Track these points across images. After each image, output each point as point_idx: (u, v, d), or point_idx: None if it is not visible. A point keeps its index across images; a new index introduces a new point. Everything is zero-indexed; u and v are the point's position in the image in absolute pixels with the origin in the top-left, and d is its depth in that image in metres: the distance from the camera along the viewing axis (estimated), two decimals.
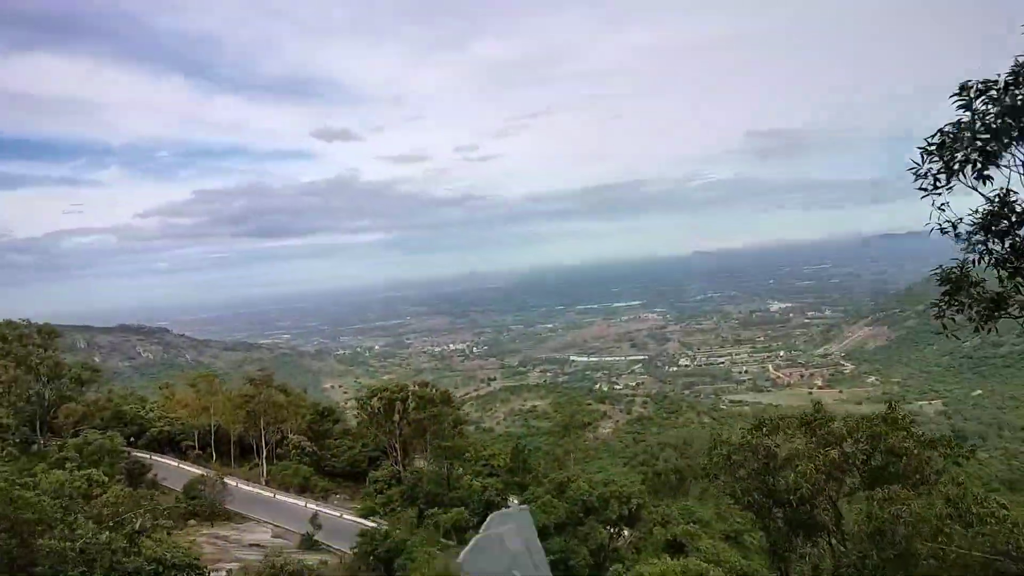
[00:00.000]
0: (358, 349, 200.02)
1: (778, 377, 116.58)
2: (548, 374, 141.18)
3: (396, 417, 31.23)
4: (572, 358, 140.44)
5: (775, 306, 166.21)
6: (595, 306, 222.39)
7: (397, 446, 32.08)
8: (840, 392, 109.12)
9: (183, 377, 51.28)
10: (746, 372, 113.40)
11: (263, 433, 35.20)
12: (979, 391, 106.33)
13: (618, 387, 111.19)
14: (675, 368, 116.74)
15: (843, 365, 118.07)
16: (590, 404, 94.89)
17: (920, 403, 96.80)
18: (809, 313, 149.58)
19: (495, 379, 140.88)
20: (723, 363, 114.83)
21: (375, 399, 32.16)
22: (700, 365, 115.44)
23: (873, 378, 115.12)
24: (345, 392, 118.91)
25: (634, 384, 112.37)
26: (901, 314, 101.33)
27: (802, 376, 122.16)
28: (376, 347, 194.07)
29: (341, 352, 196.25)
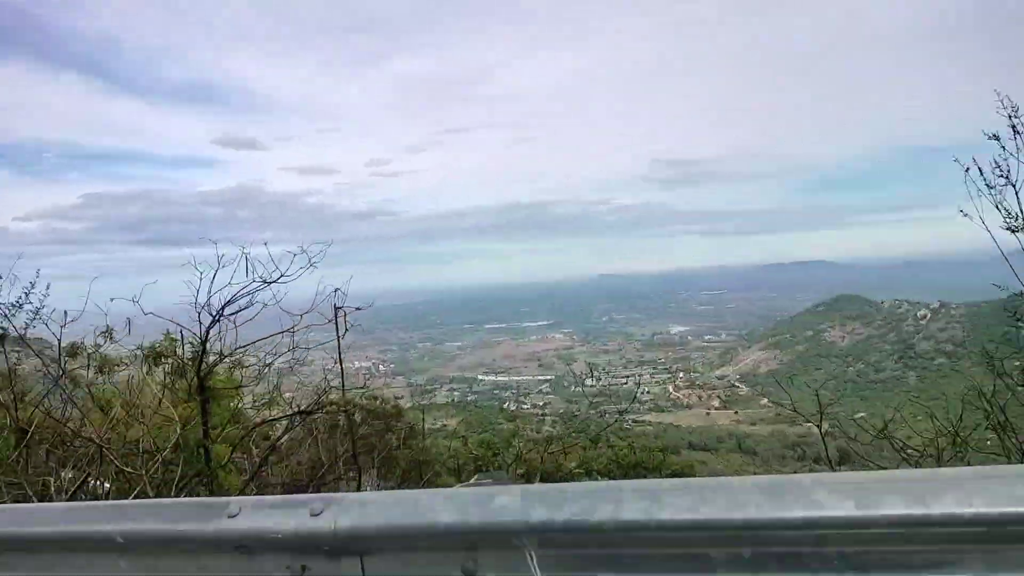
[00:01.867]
0: (257, 365, 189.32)
1: (678, 398, 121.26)
2: (456, 393, 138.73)
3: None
4: (480, 377, 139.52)
5: (675, 329, 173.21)
6: (504, 325, 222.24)
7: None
8: (736, 413, 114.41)
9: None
10: (648, 392, 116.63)
11: None
12: (862, 413, 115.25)
13: (526, 406, 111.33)
14: (581, 388, 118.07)
15: (738, 387, 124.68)
16: (500, 423, 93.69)
17: (808, 424, 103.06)
18: (706, 336, 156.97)
19: (402, 397, 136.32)
20: (627, 383, 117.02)
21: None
22: (605, 385, 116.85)
23: (765, 400, 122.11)
24: (254, 410, 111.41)
25: (541, 403, 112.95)
26: (791, 339, 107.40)
27: (700, 397, 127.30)
28: (276, 364, 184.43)
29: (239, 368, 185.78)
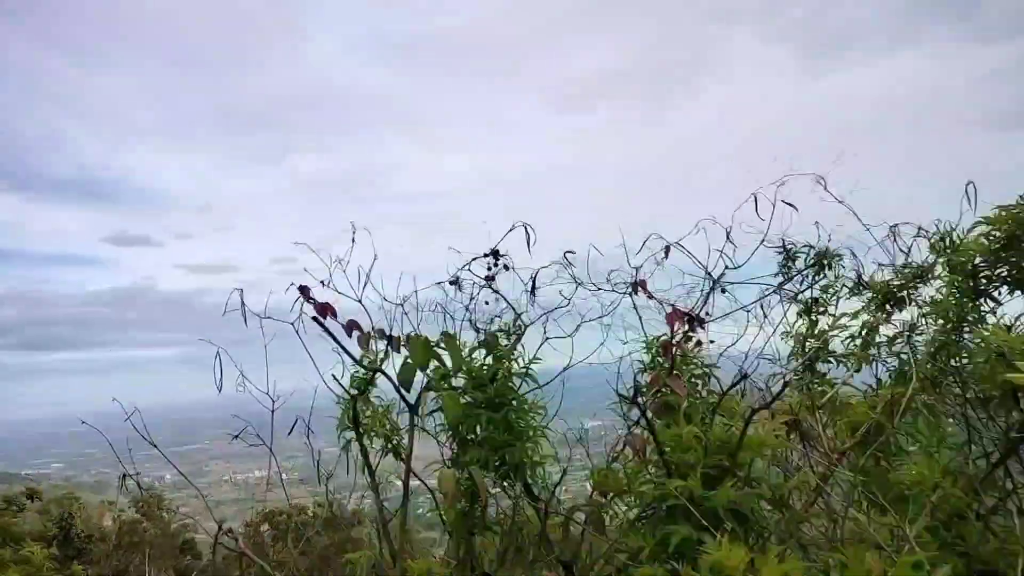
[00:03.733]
0: (146, 478, 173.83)
1: None
2: (367, 500, 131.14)
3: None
4: (393, 480, 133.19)
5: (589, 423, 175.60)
6: None
7: None
8: None
9: None
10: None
11: None
12: None
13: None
14: None
15: None
16: (419, 532, 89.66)
17: None
18: None
19: (308, 508, 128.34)
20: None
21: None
22: None
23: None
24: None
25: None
26: None
27: None
28: (167, 476, 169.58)
29: (133, 484, 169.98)
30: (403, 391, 2.55)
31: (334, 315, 2.53)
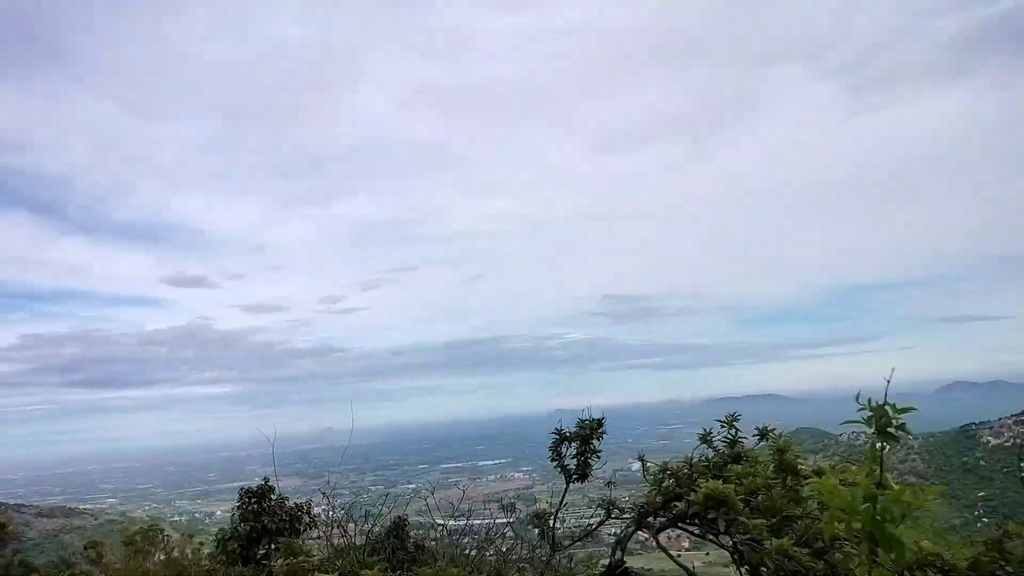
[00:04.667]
0: (196, 515, 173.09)
1: (646, 539, 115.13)
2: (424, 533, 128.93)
3: None
4: (438, 522, 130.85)
5: (636, 465, 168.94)
6: (459, 465, 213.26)
7: None
8: (707, 554, 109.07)
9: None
10: (611, 534, 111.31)
11: None
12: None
13: (489, 553, 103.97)
14: (547, 531, 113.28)
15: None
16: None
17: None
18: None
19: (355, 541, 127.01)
20: (591, 524, 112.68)
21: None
22: (570, 527, 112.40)
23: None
24: None
25: (504, 549, 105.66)
26: None
27: (669, 538, 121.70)
28: (218, 512, 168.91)
29: (177, 519, 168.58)
30: None
31: None
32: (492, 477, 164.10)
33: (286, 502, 12.23)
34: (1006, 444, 78.23)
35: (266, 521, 11.25)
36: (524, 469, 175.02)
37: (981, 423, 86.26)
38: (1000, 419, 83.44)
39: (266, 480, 12.36)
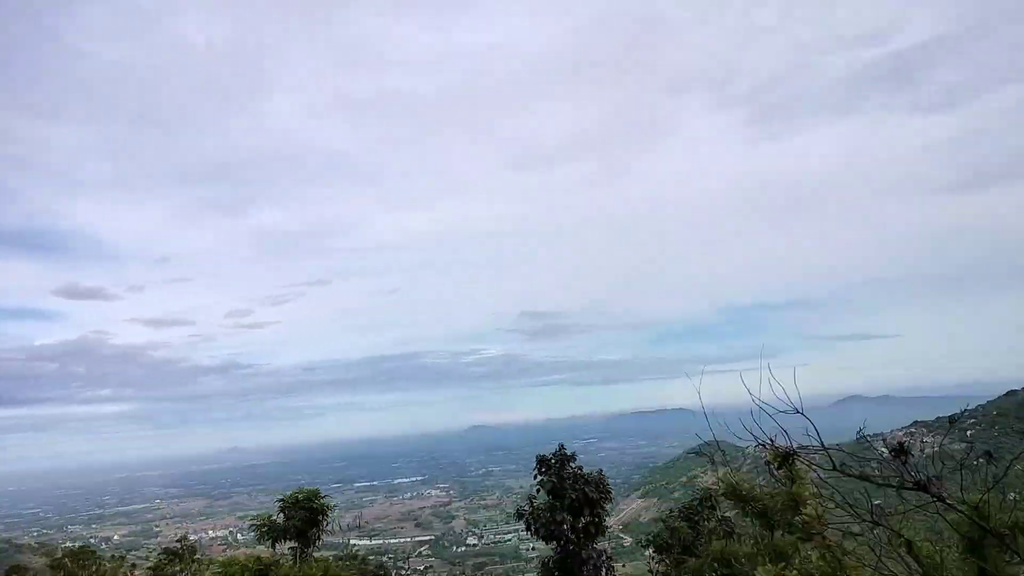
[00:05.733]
0: (92, 540, 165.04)
1: None
2: (327, 559, 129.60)
3: None
4: (353, 542, 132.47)
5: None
6: (375, 483, 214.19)
7: None
8: (623, 566, 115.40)
9: None
10: (533, 548, 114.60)
11: None
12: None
13: (405, 571, 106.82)
14: (463, 548, 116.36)
15: (623, 537, 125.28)
16: None
17: None
18: None
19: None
20: (510, 540, 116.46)
21: None
22: (487, 544, 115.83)
23: (650, 550, 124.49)
24: None
25: (422, 568, 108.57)
26: (667, 487, 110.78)
27: None
28: (115, 536, 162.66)
29: (70, 544, 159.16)
30: None
31: None
32: (409, 495, 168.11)
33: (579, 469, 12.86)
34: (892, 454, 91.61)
35: (573, 492, 11.81)
36: (441, 486, 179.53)
37: (875, 434, 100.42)
38: (892, 430, 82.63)
39: (561, 446, 13.63)
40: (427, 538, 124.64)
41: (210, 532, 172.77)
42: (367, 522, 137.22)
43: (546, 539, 11.74)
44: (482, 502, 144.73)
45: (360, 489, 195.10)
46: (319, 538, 15.93)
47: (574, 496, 11.39)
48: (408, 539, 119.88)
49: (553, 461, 11.88)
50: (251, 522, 16.09)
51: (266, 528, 15.54)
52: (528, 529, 11.80)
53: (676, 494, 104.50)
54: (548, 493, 11.59)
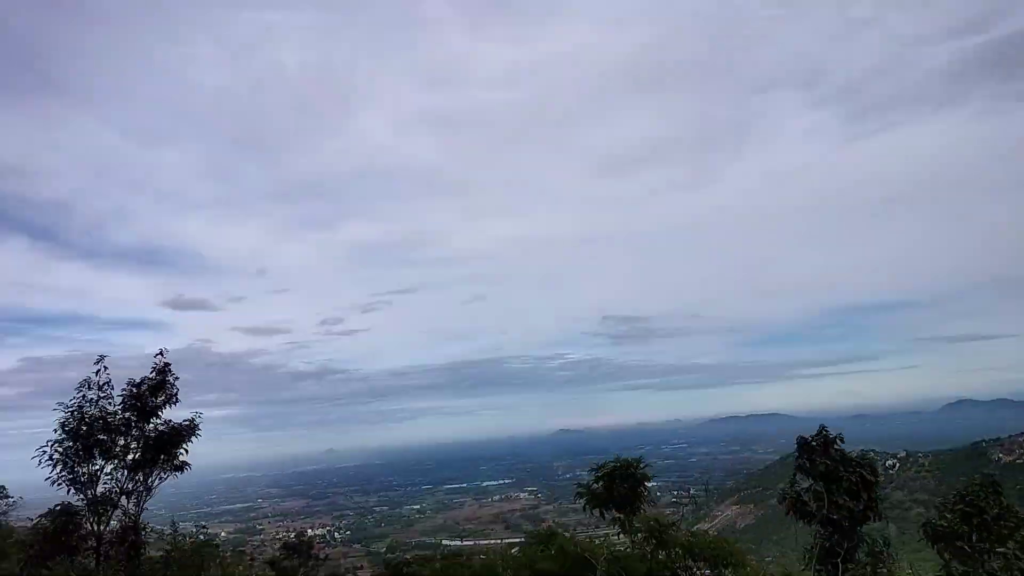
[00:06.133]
0: (201, 536, 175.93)
1: None
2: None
3: None
4: (445, 542, 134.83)
5: (648, 484, 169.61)
6: (464, 485, 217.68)
7: None
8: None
9: None
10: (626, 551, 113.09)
11: None
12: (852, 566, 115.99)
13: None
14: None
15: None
16: None
17: None
18: (675, 492, 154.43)
19: (362, 567, 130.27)
20: (600, 542, 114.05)
21: None
22: None
23: (750, 556, 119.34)
24: None
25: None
26: (763, 492, 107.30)
27: None
28: (223, 534, 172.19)
29: (185, 536, 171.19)
30: None
31: None
32: (497, 497, 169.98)
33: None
34: (1018, 461, 76.00)
35: (851, 475, 11.33)
36: (529, 489, 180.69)
37: (991, 440, 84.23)
38: (1010, 436, 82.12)
39: (822, 427, 12.38)
40: (518, 540, 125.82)
41: (309, 531, 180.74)
42: (457, 523, 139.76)
43: (813, 522, 11.86)
44: (571, 506, 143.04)
45: (449, 491, 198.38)
46: (641, 507, 16.28)
47: (853, 479, 11.41)
48: (498, 540, 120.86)
49: (815, 444, 11.82)
50: (578, 490, 16.73)
51: (588, 495, 15.98)
52: (790, 512, 11.99)
53: (772, 500, 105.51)
54: (820, 477, 11.53)
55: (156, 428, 12.18)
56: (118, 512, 11.49)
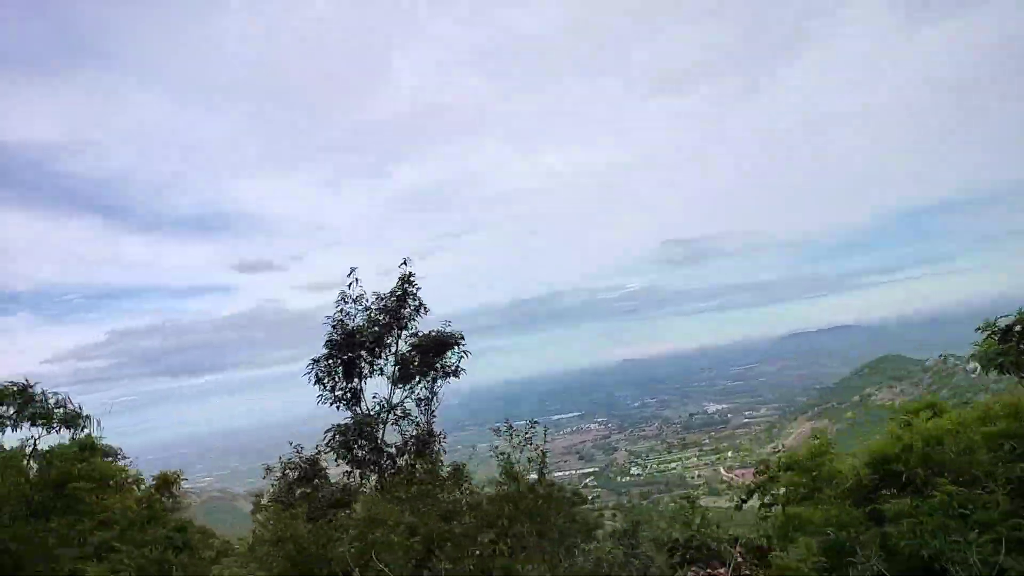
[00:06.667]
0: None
1: (732, 479, 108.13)
2: None
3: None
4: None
5: (712, 407, 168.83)
6: (536, 420, 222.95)
7: None
8: None
9: None
10: (699, 475, 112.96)
11: None
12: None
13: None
14: (627, 478, 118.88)
15: None
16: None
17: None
18: (746, 412, 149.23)
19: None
20: (674, 468, 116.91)
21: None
22: (651, 473, 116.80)
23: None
24: None
25: (590, 498, 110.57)
26: (838, 406, 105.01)
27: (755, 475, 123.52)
28: None
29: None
30: None
31: None
32: (569, 430, 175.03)
33: None
34: None
35: None
36: (598, 420, 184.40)
37: None
38: None
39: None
40: (591, 470, 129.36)
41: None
42: (529, 459, 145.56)
43: None
44: (641, 433, 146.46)
45: (522, 427, 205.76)
46: None
47: None
48: (573, 471, 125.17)
49: (1019, 328, 8.11)
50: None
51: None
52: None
53: (848, 414, 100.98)
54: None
55: (417, 335, 11.81)
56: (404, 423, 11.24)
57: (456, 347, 11.79)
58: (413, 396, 11.91)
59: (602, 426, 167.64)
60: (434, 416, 11.84)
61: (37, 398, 9.68)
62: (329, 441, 10.92)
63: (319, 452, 10.24)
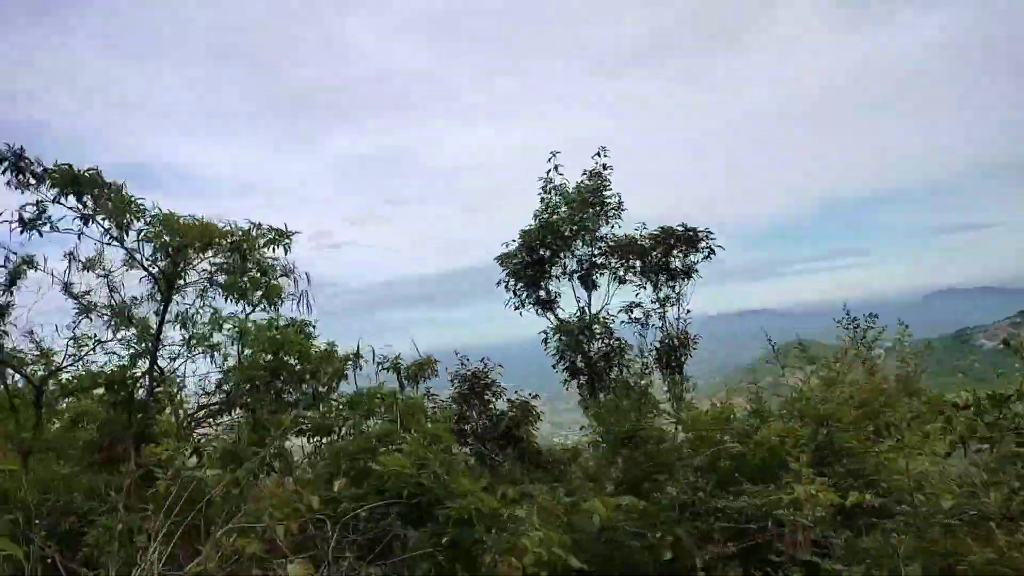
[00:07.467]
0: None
1: None
2: None
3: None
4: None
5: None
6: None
7: None
8: None
9: None
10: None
11: None
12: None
13: None
14: None
15: None
16: None
17: None
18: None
19: None
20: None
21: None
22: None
23: None
24: None
25: None
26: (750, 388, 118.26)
27: None
28: None
29: None
30: None
31: None
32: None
33: None
34: (1000, 347, 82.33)
35: None
36: (527, 390, 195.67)
37: (975, 327, 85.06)
38: (995, 323, 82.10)
39: None
40: None
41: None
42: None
43: None
44: (567, 407, 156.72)
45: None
46: None
47: None
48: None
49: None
50: None
51: None
52: None
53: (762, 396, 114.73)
54: None
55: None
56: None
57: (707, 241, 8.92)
58: (655, 296, 9.14)
59: (541, 403, 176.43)
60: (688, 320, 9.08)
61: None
62: (556, 342, 9.10)
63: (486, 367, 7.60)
